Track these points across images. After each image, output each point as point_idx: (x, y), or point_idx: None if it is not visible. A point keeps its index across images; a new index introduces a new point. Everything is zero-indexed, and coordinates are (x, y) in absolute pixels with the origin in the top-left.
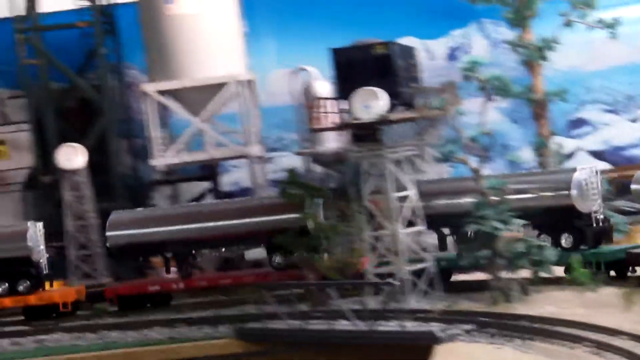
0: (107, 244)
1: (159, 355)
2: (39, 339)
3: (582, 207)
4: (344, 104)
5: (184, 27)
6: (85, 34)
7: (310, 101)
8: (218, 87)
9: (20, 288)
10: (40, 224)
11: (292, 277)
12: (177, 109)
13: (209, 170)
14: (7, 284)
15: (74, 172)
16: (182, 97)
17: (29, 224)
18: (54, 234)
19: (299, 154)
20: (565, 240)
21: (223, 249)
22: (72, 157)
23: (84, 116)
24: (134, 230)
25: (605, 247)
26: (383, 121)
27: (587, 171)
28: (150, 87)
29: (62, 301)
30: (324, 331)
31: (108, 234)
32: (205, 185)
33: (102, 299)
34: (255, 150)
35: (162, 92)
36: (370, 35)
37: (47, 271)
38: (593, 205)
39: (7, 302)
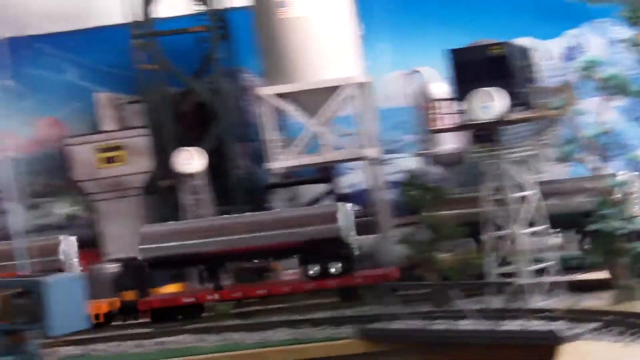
0: (140, 257)
1: (283, 355)
2: (161, 341)
3: None
4: (461, 105)
5: (298, 30)
6: (201, 39)
7: (427, 102)
8: (333, 89)
9: None
10: (73, 238)
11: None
12: (293, 112)
13: (325, 173)
14: None
15: (192, 176)
16: (297, 100)
17: (61, 237)
18: None
19: (419, 155)
20: None
21: (255, 261)
22: (190, 161)
23: (200, 120)
24: (165, 243)
25: None
26: (501, 122)
27: (626, 176)
28: (266, 91)
29: (94, 313)
30: (446, 331)
31: (140, 247)
32: (321, 187)
33: (136, 310)
34: (372, 152)
35: (278, 96)
36: (486, 36)
37: None
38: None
39: None
